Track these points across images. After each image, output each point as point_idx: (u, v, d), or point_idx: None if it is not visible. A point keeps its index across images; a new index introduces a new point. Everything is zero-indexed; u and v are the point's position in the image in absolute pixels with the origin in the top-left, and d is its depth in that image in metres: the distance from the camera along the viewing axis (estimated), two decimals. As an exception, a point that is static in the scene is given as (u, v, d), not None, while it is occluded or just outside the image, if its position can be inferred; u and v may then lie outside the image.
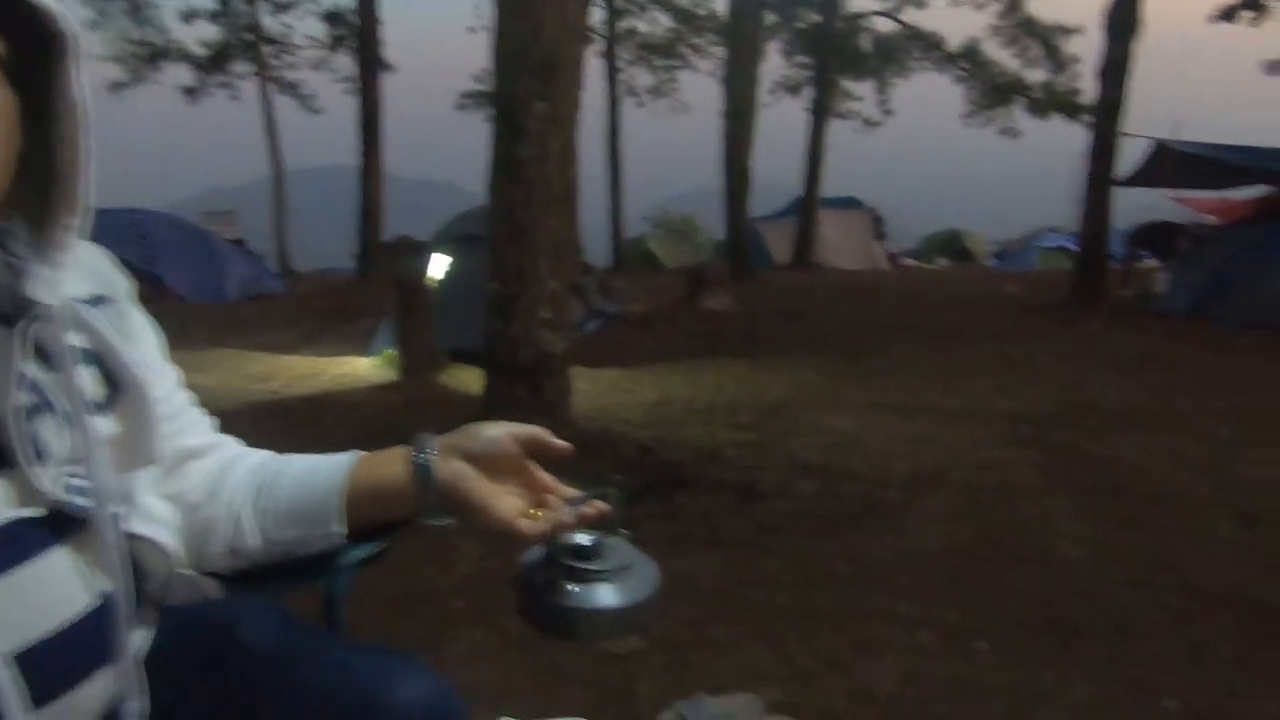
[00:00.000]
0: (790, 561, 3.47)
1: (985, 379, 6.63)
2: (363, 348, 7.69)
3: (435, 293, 6.94)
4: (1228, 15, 12.85)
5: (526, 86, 4.08)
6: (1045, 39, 19.94)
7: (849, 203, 21.70)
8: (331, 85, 22.17)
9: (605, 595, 0.93)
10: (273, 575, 1.01)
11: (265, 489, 1.00)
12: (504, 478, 0.97)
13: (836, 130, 23.62)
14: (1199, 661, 2.87)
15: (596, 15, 22.12)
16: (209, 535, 0.99)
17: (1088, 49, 11.48)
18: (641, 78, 25.84)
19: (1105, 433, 5.24)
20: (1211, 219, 16.10)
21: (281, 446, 1.08)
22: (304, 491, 0.99)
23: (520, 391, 4.26)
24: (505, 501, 0.95)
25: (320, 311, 10.34)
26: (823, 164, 19.47)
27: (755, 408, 5.61)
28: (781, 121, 23.17)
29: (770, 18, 21.70)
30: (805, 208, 19.06)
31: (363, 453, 1.01)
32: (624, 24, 24.15)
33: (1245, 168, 11.27)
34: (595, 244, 23.66)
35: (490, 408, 4.34)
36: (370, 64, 17.79)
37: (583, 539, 0.96)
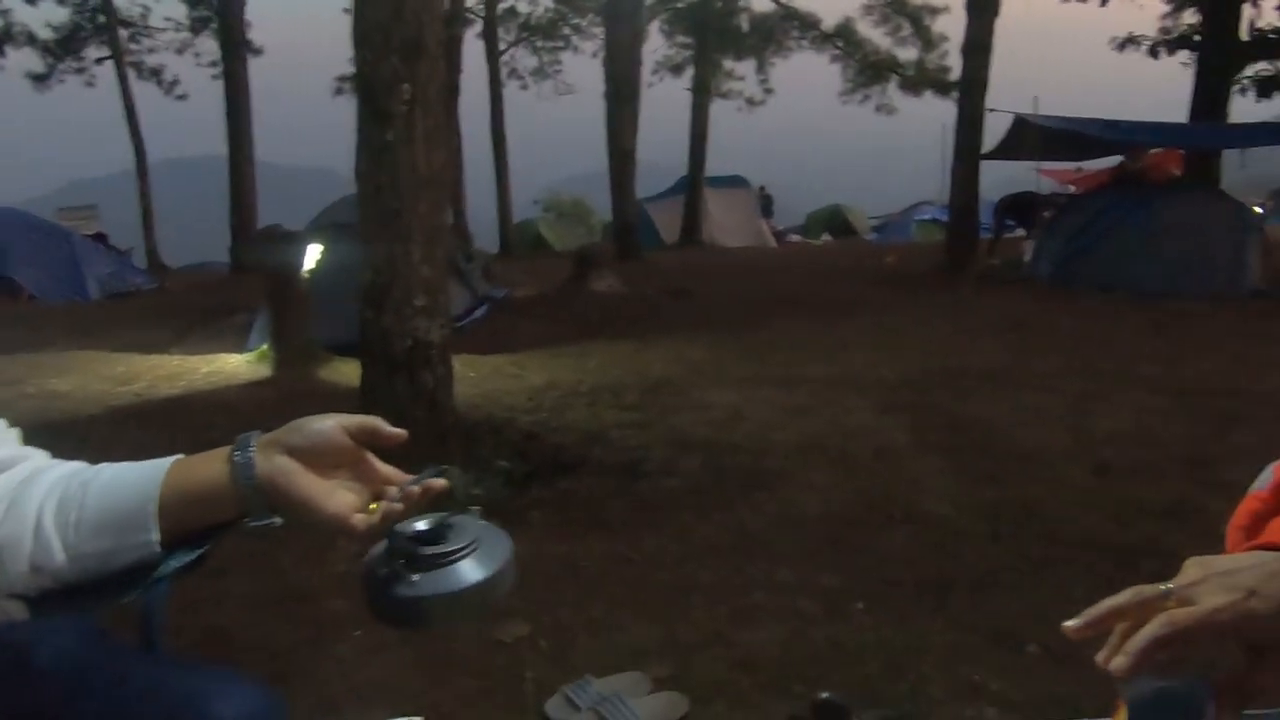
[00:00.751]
0: (673, 538, 3.51)
1: (863, 349, 6.84)
2: (237, 344, 7.38)
3: (310, 284, 6.71)
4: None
5: (390, 68, 3.96)
6: (914, 18, 20.60)
7: (735, 181, 22.00)
8: (198, 70, 21.11)
9: (450, 578, 0.90)
10: (83, 593, 0.95)
11: (71, 499, 0.93)
12: (336, 472, 0.93)
13: (720, 110, 23.91)
14: (1057, 605, 3.04)
15: (473, -5, 21.71)
16: (9, 554, 0.92)
17: (955, 28, 11.94)
18: (525, 59, 25.56)
19: (973, 394, 5.48)
20: (1071, 188, 17.02)
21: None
22: (113, 499, 0.93)
23: (398, 383, 4.16)
24: (337, 497, 0.91)
25: (192, 308, 9.87)
26: (707, 143, 19.68)
27: (641, 387, 5.65)
28: (667, 101, 23.27)
29: (650, -2, 21.79)
30: (691, 187, 19.25)
31: (182, 456, 0.96)
32: (504, 4, 23.81)
33: (1100, 139, 11.94)
34: (483, 229, 23.33)
35: (368, 401, 4.23)
36: (235, 47, 17.02)
37: (421, 523, 0.93)
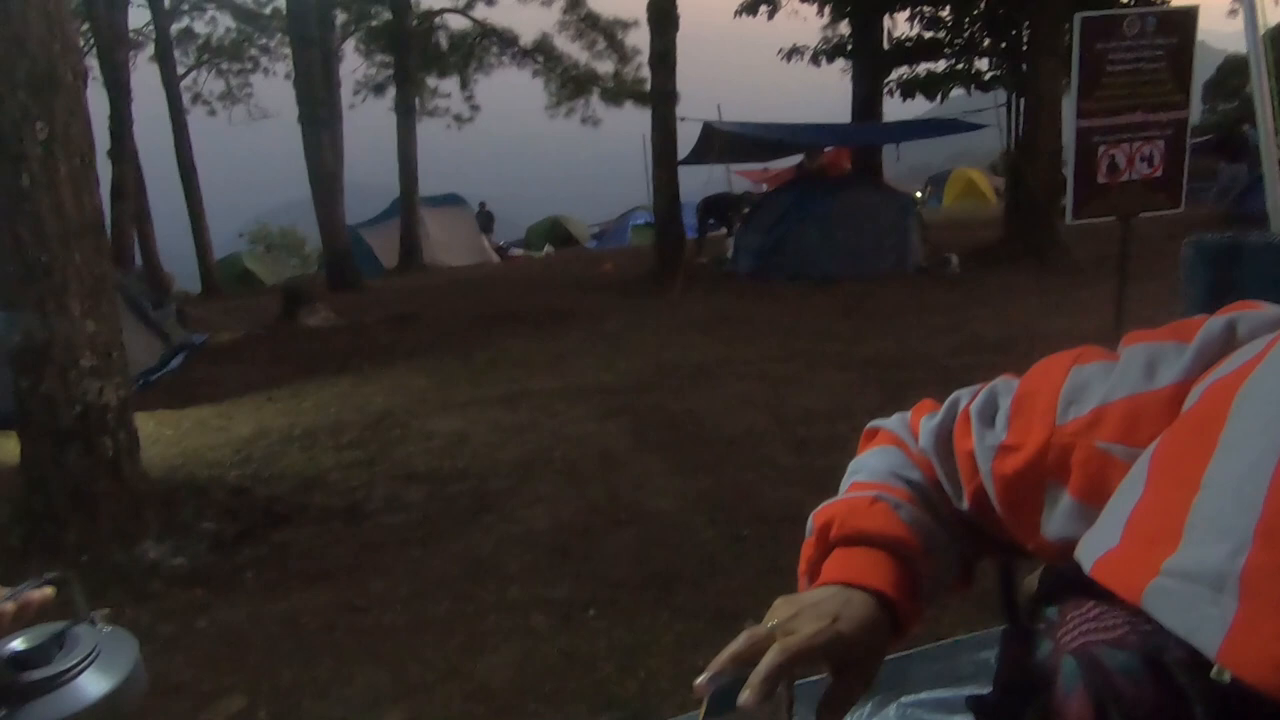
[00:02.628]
0: (402, 577, 3.41)
1: (584, 357, 7.01)
2: None
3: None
4: (751, 9, 14.72)
5: (17, 105, 3.51)
6: (607, 33, 21.42)
7: (452, 200, 21.72)
8: None
9: (62, 702, 0.79)
10: None
11: None
12: None
13: (430, 128, 23.55)
14: (769, 579, 3.28)
15: (142, 17, 19.85)
16: None
17: (646, 42, 12.55)
18: (211, 83, 23.75)
19: (687, 390, 5.79)
20: (764, 187, 18.46)
21: None
22: None
23: (71, 455, 3.69)
24: None
25: None
26: (418, 163, 19.28)
27: (361, 424, 5.42)
28: (378, 121, 22.49)
29: (343, 16, 21.00)
30: (406, 209, 18.78)
31: None
32: (178, 25, 21.96)
33: (779, 142, 13.05)
34: (181, 269, 21.38)
35: (34, 480, 3.72)
36: None
37: (20, 643, 0.82)
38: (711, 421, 5.06)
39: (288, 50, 20.65)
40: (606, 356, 6.97)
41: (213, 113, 24.16)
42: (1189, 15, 5.96)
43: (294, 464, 4.77)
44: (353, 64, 22.03)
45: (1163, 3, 11.04)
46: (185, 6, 22.85)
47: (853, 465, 0.85)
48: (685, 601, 3.18)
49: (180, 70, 21.82)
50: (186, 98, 22.14)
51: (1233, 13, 16.27)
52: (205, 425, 5.82)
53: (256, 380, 6.97)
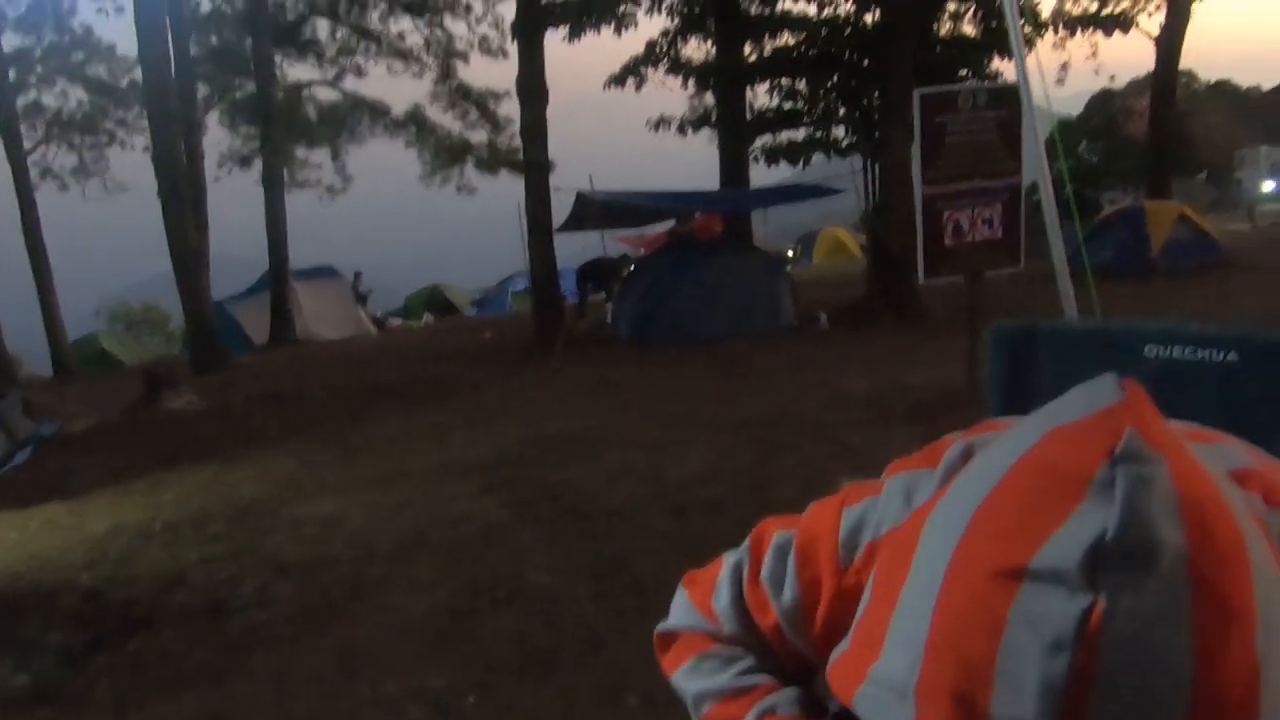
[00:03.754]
0: (269, 677, 3.25)
1: (463, 431, 6.92)
2: None
3: None
4: (619, 81, 15.16)
5: None
6: (480, 104, 21.61)
7: (325, 271, 21.27)
8: None
9: None
10: None
11: None
12: None
13: (302, 200, 23.09)
14: (652, 652, 3.29)
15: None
16: None
17: (518, 112, 12.74)
18: (63, 157, 22.68)
19: (568, 460, 5.79)
20: (640, 252, 18.83)
21: None
22: None
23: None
24: None
25: None
26: (288, 235, 18.83)
27: (226, 514, 5.19)
28: (252, 192, 21.83)
29: (205, 89, 20.52)
30: (276, 282, 18.26)
31: None
32: (24, 99, 20.98)
33: (652, 208, 13.39)
34: (31, 351, 20.08)
35: None
36: None
37: None
38: (592, 492, 5.07)
39: (146, 123, 20.00)
40: (486, 429, 6.91)
41: (64, 187, 23.07)
42: (1014, 90, 6.49)
43: (153, 562, 4.50)
44: (216, 136, 21.45)
45: (994, 79, 11.96)
46: (32, 80, 21.91)
47: (691, 694, 0.78)
48: (568, 680, 3.15)
49: (28, 144, 20.81)
50: (35, 172, 21.10)
51: (1060, 81, 17.80)
52: (55, 524, 5.45)
53: (113, 471, 6.58)
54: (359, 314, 20.43)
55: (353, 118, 22.77)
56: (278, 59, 20.80)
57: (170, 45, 14.30)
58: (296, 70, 22.34)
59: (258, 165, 20.69)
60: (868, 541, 0.65)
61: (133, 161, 22.37)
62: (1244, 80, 47.16)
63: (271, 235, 18.42)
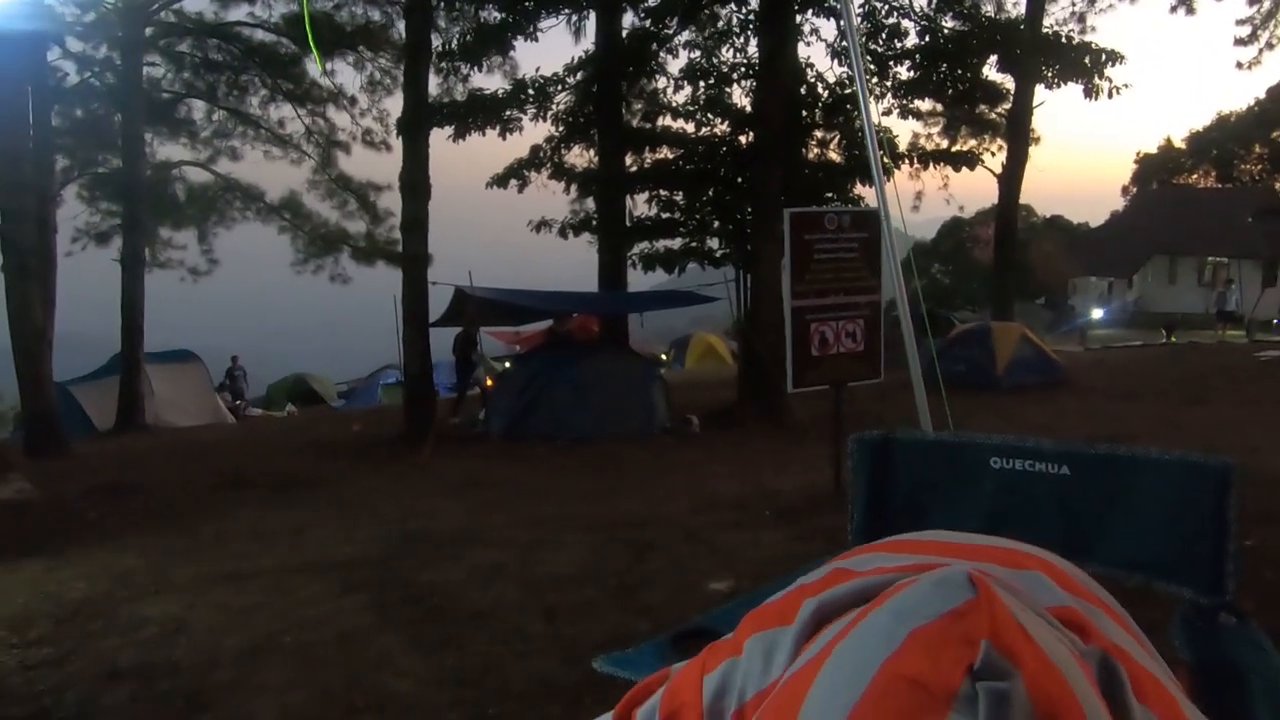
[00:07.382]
0: (91, 798, 2.96)
1: (324, 528, 6.63)
2: None
3: None
4: (501, 183, 15.41)
5: None
6: (359, 194, 21.46)
7: (182, 355, 20.27)
8: None
9: None
10: None
11: None
12: None
13: (162, 281, 22.07)
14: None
15: None
16: None
17: (399, 204, 12.71)
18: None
19: (434, 560, 5.61)
20: (516, 349, 18.83)
21: None
22: None
23: None
24: None
25: None
26: (144, 317, 17.92)
27: (54, 615, 4.75)
28: (105, 271, 20.63)
29: (64, 161, 19.65)
30: (127, 365, 17.25)
31: None
32: None
33: (530, 307, 13.48)
34: None
35: None
36: None
37: None
38: (458, 593, 4.93)
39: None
40: (349, 526, 6.64)
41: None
42: (875, 214, 6.97)
43: (-38, 669, 4.07)
44: (74, 209, 20.45)
45: (856, 203, 12.81)
46: None
47: None
48: (424, 795, 3.00)
49: None
50: None
51: (915, 208, 19.21)
52: None
53: (-79, 567, 5.95)
54: (216, 401, 19.51)
55: (224, 200, 22.18)
56: (148, 136, 20.22)
57: (30, 113, 13.71)
58: (167, 149, 21.73)
59: (116, 242, 19.79)
60: (734, 711, 0.66)
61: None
62: (1075, 217, 52.03)
63: (126, 315, 17.51)
